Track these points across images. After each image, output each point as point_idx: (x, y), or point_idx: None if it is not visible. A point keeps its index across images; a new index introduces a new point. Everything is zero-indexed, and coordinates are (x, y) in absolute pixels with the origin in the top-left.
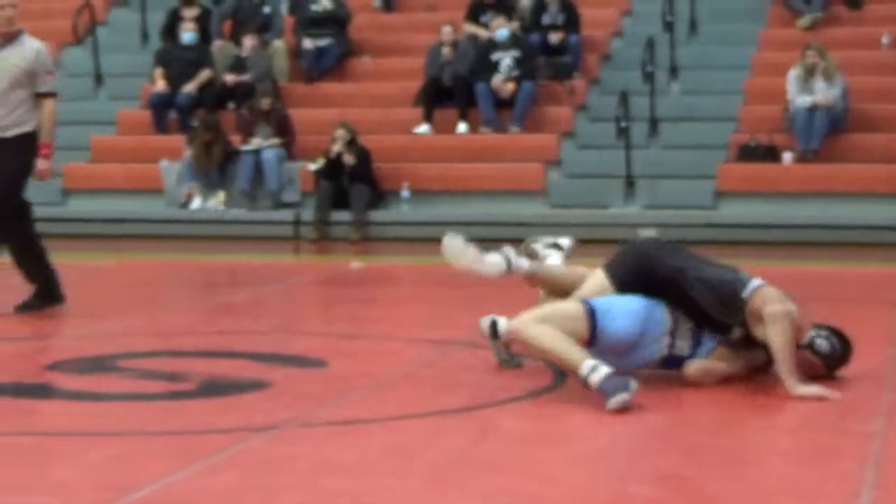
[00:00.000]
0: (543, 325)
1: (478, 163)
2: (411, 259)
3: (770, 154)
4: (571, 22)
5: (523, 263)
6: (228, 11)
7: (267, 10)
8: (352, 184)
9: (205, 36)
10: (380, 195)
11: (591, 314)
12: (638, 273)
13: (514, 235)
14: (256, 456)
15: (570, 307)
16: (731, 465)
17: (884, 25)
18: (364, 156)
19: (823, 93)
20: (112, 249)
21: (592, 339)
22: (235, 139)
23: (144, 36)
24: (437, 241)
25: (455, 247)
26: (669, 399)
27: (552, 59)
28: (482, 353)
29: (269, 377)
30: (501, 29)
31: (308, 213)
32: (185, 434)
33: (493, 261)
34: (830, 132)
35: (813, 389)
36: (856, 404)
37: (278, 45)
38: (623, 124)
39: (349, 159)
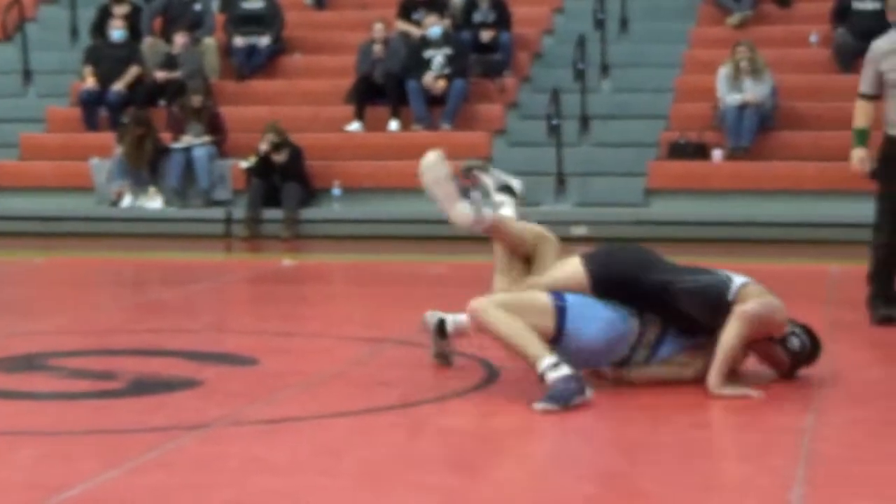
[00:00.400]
0: (506, 313)
1: (409, 160)
2: (343, 257)
3: (700, 152)
4: (502, 19)
5: (488, 215)
6: (159, 8)
7: (198, 7)
8: (283, 182)
9: (135, 33)
10: (311, 193)
11: (561, 313)
12: (620, 284)
13: (446, 233)
14: (187, 455)
15: (539, 299)
16: (664, 462)
17: (812, 24)
18: (295, 154)
19: (752, 91)
20: (42, 247)
21: (556, 339)
22: (166, 137)
23: (74, 33)
24: (369, 238)
25: (435, 174)
26: (603, 396)
27: (483, 56)
28: (414, 351)
29: (200, 375)
30: (434, 27)
31: (239, 211)
32: (115, 433)
33: (463, 211)
34: (760, 130)
35: (737, 390)
36: (787, 400)
37: (209, 42)
38: (554, 122)
39: (279, 158)
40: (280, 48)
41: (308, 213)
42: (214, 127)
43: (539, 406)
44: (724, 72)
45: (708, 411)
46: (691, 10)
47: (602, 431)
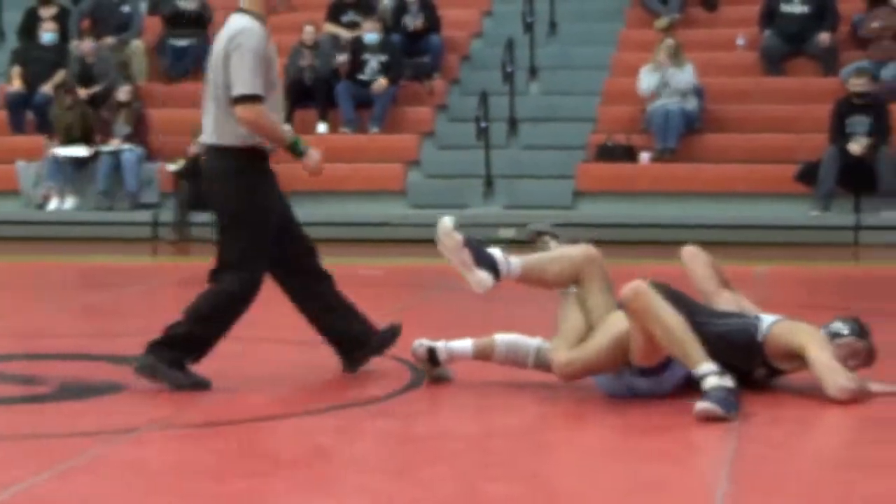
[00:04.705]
0: (672, 309)
1: (338, 163)
2: None
3: (628, 154)
4: (432, 22)
5: (515, 269)
6: (87, 10)
7: (126, 8)
8: None
9: (65, 35)
10: None
11: None
12: None
13: (375, 236)
14: (116, 459)
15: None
16: (589, 463)
17: (739, 27)
18: None
19: (674, 78)
20: None
21: (660, 369)
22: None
23: (0, 35)
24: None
25: (449, 243)
26: (527, 399)
27: (412, 59)
28: None
29: (128, 379)
30: (370, 33)
31: (167, 214)
32: (43, 437)
33: (481, 279)
34: (687, 132)
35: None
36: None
37: (137, 44)
38: (483, 124)
39: None
40: (210, 50)
41: None
42: (139, 127)
43: (704, 406)
44: (645, 68)
45: (631, 413)
46: (619, 13)
47: (527, 433)
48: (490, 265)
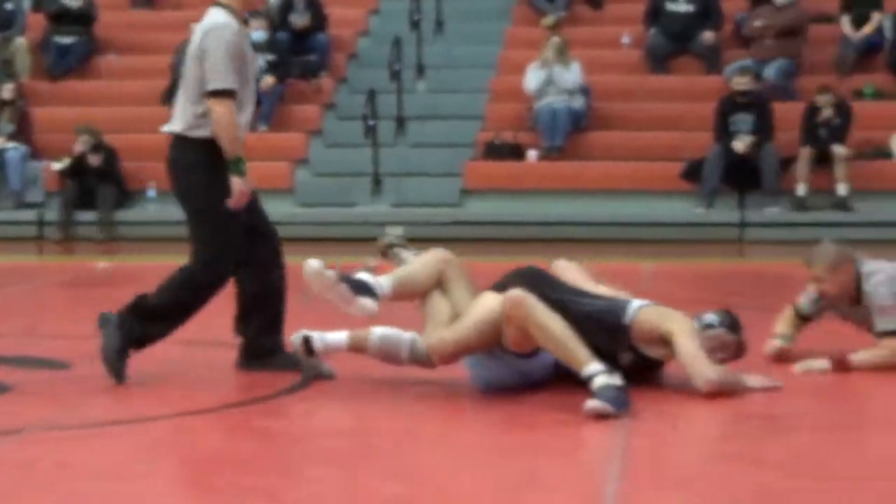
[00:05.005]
0: (553, 314)
1: None
2: (158, 258)
3: (515, 152)
4: (318, 20)
5: (387, 289)
6: None
7: (9, 5)
8: (98, 183)
9: None
10: (126, 194)
11: None
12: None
13: None
14: (1, 459)
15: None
16: (474, 459)
17: (625, 25)
18: (110, 155)
19: (561, 77)
20: None
21: (530, 354)
22: None
23: None
24: (185, 240)
25: (321, 283)
26: (408, 395)
27: (300, 57)
28: (228, 353)
29: (11, 380)
30: (257, 31)
31: (52, 213)
32: None
33: (365, 306)
34: (573, 130)
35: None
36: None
37: (20, 41)
38: (370, 123)
39: (95, 160)
40: (95, 48)
41: (123, 214)
42: (22, 125)
43: (594, 405)
44: (532, 65)
45: (516, 409)
46: (506, 12)
47: (412, 432)
48: (367, 291)
